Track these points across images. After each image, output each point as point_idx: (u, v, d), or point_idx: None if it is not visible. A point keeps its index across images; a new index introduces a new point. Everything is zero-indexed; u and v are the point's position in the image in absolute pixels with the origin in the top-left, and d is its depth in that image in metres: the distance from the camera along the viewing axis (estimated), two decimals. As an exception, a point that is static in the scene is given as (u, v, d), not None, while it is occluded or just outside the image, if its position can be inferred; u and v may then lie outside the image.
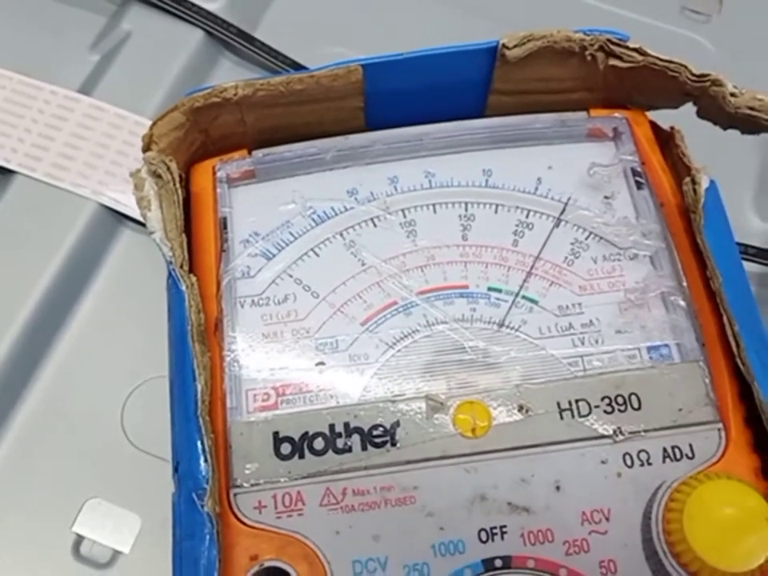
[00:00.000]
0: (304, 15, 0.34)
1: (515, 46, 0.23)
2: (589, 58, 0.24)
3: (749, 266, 0.29)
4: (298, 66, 0.32)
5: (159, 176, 0.22)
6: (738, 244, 0.29)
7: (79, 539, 0.25)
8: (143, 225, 0.29)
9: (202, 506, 0.19)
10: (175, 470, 0.20)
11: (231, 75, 0.33)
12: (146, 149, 0.23)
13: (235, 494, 0.20)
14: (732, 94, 0.23)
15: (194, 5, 0.33)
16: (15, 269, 0.28)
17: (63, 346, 0.28)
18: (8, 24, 0.33)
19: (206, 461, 0.19)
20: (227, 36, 0.33)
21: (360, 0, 0.35)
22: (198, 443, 0.19)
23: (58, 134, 0.30)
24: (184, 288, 0.21)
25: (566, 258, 0.23)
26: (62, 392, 0.27)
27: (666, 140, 0.24)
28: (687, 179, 0.22)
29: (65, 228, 0.29)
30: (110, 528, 0.25)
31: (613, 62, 0.24)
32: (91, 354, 0.28)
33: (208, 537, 0.19)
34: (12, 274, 0.28)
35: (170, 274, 0.22)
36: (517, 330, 0.22)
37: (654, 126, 0.25)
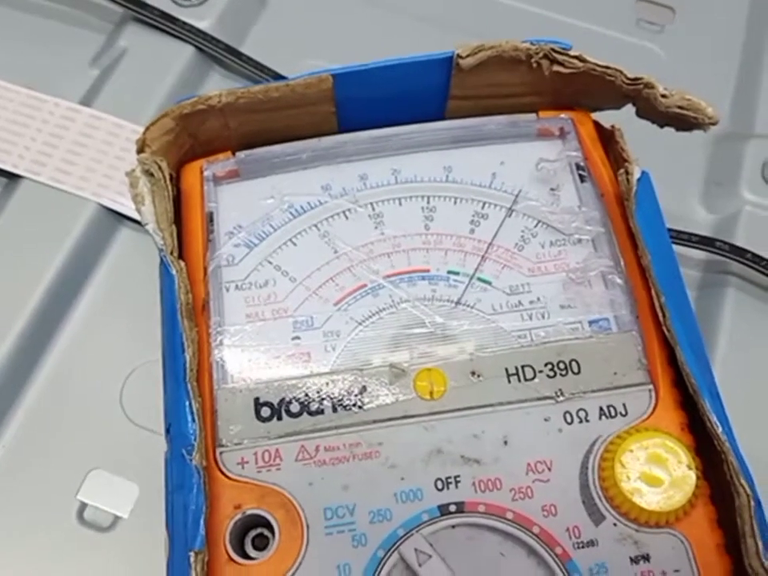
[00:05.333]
0: (285, 32, 0.37)
1: (468, 56, 0.26)
2: (535, 65, 0.26)
3: (694, 253, 0.32)
4: (280, 77, 0.35)
5: (152, 174, 0.25)
6: (684, 232, 0.32)
7: (83, 506, 0.28)
8: (139, 223, 0.32)
9: (191, 460, 0.21)
10: (167, 431, 0.23)
11: (220, 86, 0.35)
12: (140, 151, 0.26)
13: (221, 452, 0.23)
14: (663, 95, 0.25)
15: (185, 23, 0.35)
16: (23, 263, 0.31)
17: (67, 333, 0.30)
18: (15, 43, 0.36)
19: (193, 420, 0.22)
20: (216, 51, 0.36)
21: (336, 17, 0.38)
22: (187, 406, 0.22)
23: (60, 141, 0.33)
24: (174, 272, 0.24)
25: (517, 243, 0.26)
26: (66, 375, 0.30)
27: (608, 137, 0.27)
28: (621, 170, 0.25)
29: (68, 226, 0.31)
30: (110, 496, 0.28)
31: (556, 68, 0.26)
32: (92, 341, 0.30)
33: (196, 486, 0.21)
34: (20, 268, 0.30)
35: (161, 260, 0.24)
36: (472, 308, 0.25)
37: (597, 125, 0.27)
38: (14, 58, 0.36)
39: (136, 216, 0.32)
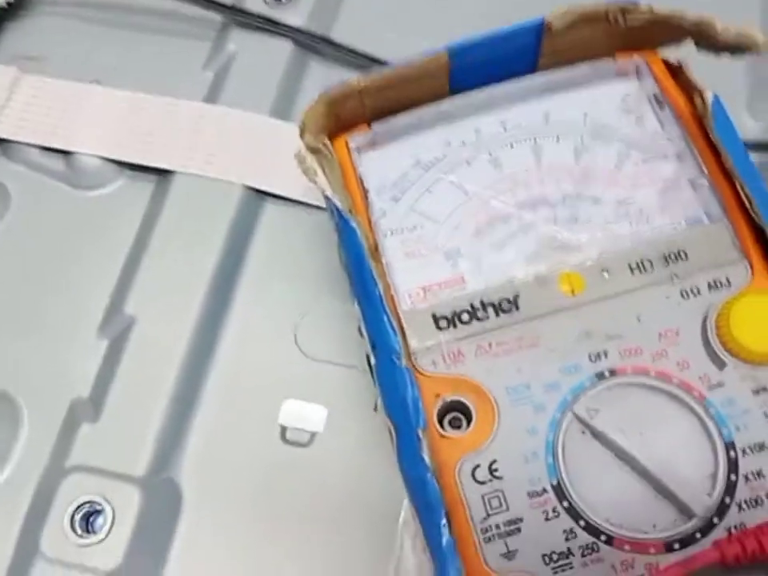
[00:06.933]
0: (369, 14, 0.43)
1: (557, 20, 0.32)
2: (612, 20, 0.32)
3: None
4: (373, 60, 0.40)
5: (317, 151, 0.31)
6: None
7: (284, 429, 0.34)
8: (280, 198, 0.38)
9: (401, 364, 0.27)
10: (373, 348, 0.29)
11: (320, 75, 0.41)
12: (302, 133, 0.31)
13: (415, 357, 0.28)
14: (721, 32, 0.31)
15: (280, 23, 0.41)
16: (191, 245, 0.36)
17: (239, 300, 0.35)
18: (132, 58, 0.42)
19: (395, 334, 0.28)
20: (311, 42, 0.41)
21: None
22: (389, 323, 0.28)
23: (200, 136, 0.38)
24: (355, 225, 0.29)
25: (616, 165, 0.31)
26: (247, 330, 0.35)
27: (675, 70, 0.33)
28: (697, 95, 0.30)
29: (222, 208, 0.37)
30: (305, 418, 0.34)
31: (630, 20, 0.32)
32: (261, 304, 0.36)
33: (410, 382, 0.27)
34: (189, 250, 0.36)
35: (340, 217, 0.30)
36: (589, 221, 0.31)
37: (665, 61, 0.33)
38: (135, 73, 0.42)
39: (275, 192, 0.38)
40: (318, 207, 0.38)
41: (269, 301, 0.36)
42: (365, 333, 0.29)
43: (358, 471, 0.33)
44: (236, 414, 0.34)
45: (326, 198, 0.30)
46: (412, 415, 0.27)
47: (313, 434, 0.33)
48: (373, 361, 0.29)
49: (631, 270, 0.29)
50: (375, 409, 0.32)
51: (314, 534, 0.32)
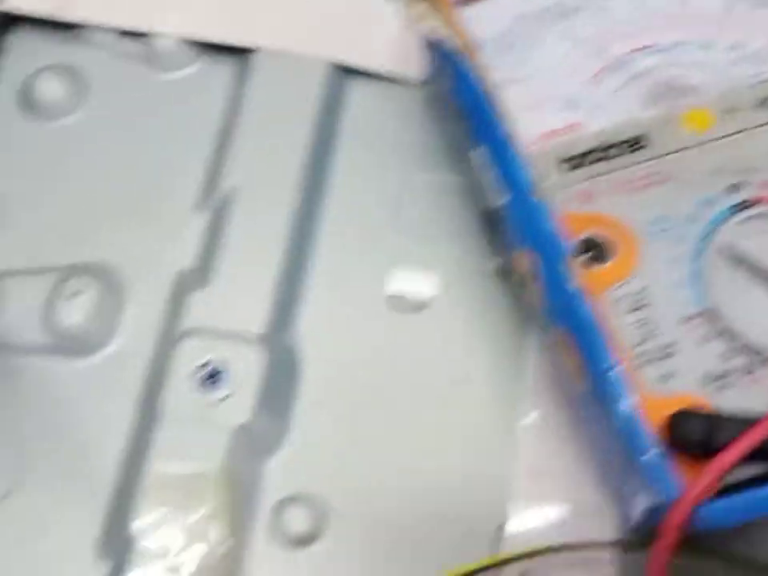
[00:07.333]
0: None
1: None
2: None
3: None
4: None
5: (427, -1, 0.30)
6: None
7: (393, 297, 0.33)
8: (366, 75, 0.37)
9: (535, 198, 0.27)
10: (504, 189, 0.28)
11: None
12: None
13: (546, 198, 0.28)
14: None
15: None
16: (281, 122, 0.35)
17: (337, 177, 0.35)
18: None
19: (527, 169, 0.27)
20: None
21: None
22: (519, 159, 0.28)
23: (278, 12, 0.38)
24: (471, 66, 0.29)
25: (725, 9, 0.31)
26: (347, 207, 0.35)
27: None
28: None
29: (307, 86, 0.36)
30: (416, 284, 0.33)
31: None
32: (359, 179, 0.35)
33: (547, 214, 0.27)
34: (280, 125, 0.35)
35: (454, 61, 0.29)
36: (706, 65, 0.30)
37: None
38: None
39: (362, 66, 0.37)
40: (405, 84, 0.37)
41: (366, 176, 0.35)
42: (490, 177, 0.29)
43: (476, 335, 0.32)
44: (345, 284, 0.33)
45: (435, 45, 0.30)
46: (554, 245, 0.26)
47: (424, 302, 0.33)
48: (501, 202, 0.28)
49: (758, 105, 0.29)
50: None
51: (428, 395, 0.31)
